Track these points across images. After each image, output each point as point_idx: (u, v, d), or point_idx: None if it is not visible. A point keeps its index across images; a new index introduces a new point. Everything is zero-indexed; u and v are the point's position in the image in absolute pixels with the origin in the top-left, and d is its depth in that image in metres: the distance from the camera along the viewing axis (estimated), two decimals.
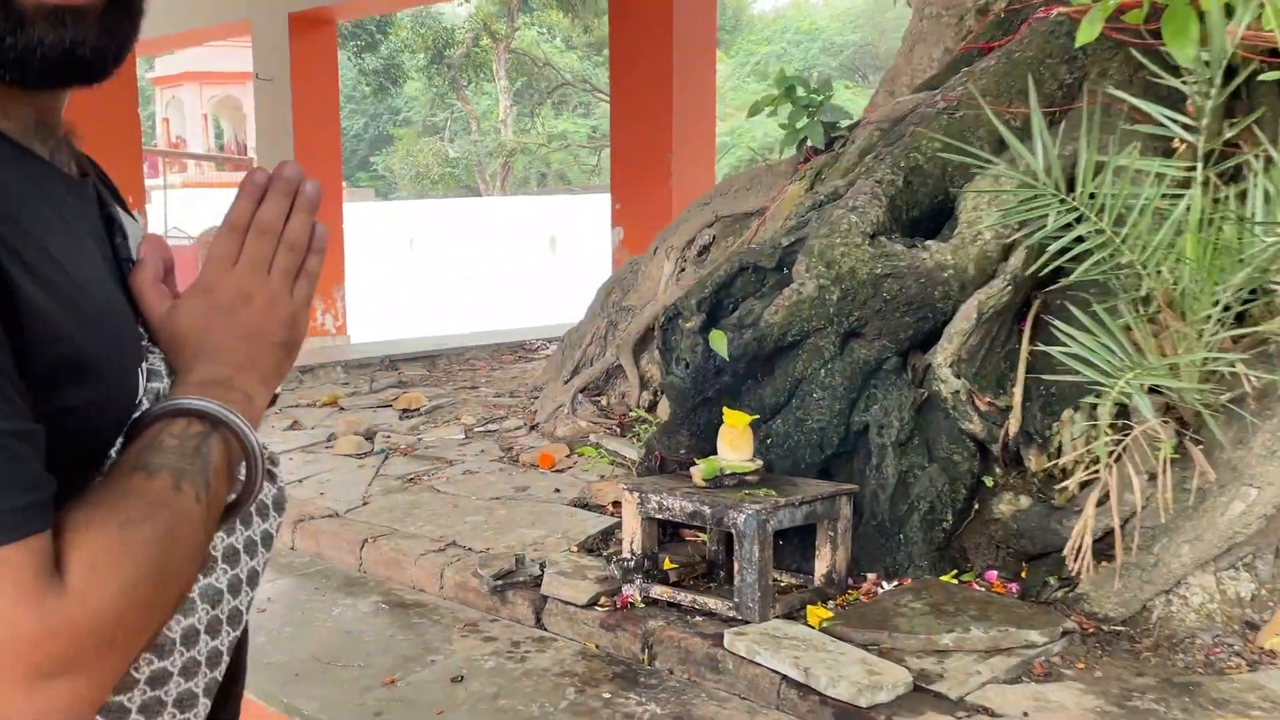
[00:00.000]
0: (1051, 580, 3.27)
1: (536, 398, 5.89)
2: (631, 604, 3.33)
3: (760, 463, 3.38)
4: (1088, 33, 4.03)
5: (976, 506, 3.66)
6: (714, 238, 5.32)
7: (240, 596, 0.80)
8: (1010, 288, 3.69)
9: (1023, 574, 3.41)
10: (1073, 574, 3.22)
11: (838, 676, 2.72)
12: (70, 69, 0.73)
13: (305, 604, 3.69)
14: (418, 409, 5.95)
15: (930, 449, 3.67)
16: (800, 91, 4.97)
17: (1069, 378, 3.31)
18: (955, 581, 3.42)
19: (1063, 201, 3.00)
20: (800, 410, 3.70)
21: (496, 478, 4.64)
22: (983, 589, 3.41)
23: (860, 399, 3.72)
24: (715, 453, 3.48)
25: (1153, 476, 3.12)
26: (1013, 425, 3.56)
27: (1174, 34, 3.92)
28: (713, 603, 3.20)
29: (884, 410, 3.67)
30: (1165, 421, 3.15)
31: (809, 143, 4.99)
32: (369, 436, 5.39)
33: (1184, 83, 3.24)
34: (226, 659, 0.80)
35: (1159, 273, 3.07)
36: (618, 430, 5.16)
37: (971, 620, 3.05)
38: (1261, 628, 3.03)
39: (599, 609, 3.32)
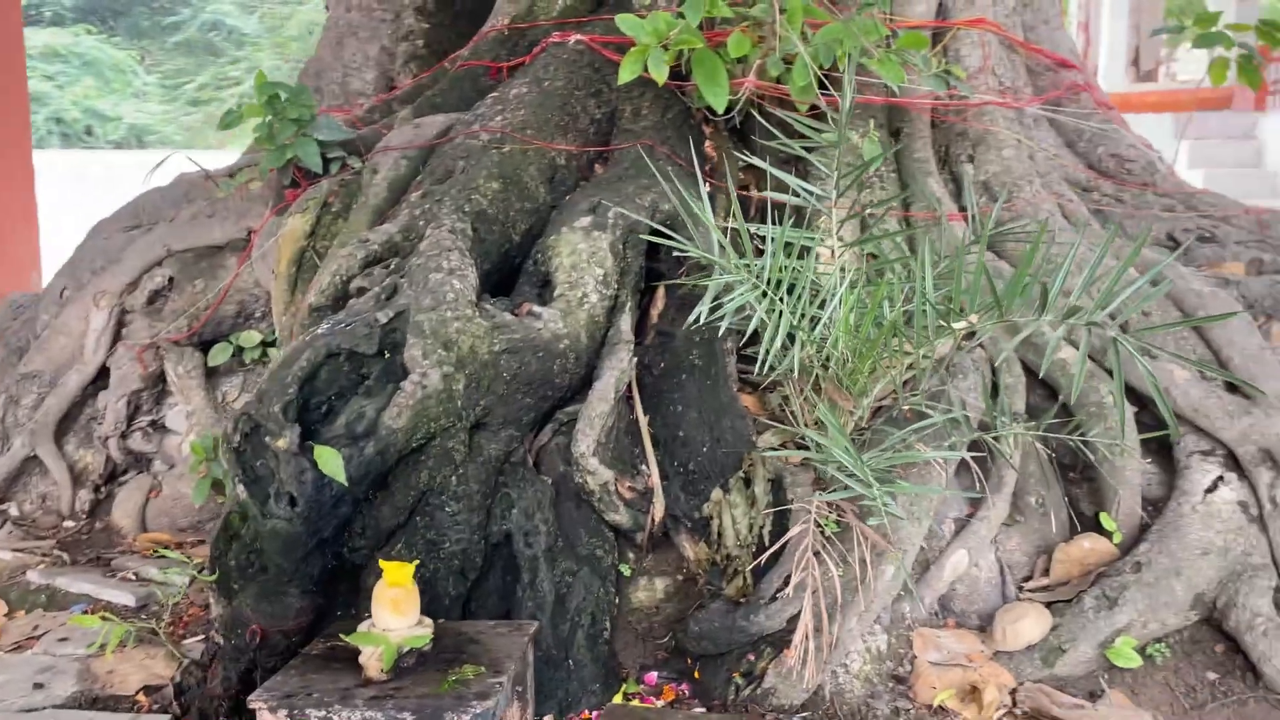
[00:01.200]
0: (739, 680, 3.07)
1: None
2: None
3: (431, 623, 2.62)
4: (629, 71, 3.85)
5: (617, 600, 3.32)
6: (170, 280, 4.07)
7: None
8: (636, 359, 3.37)
9: (695, 674, 3.16)
10: (757, 670, 3.07)
11: None
12: None
13: None
14: None
15: (573, 547, 3.21)
16: (284, 100, 4.00)
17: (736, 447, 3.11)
18: (638, 704, 3.05)
19: (758, 280, 2.75)
20: (431, 531, 2.96)
21: None
22: (657, 701, 3.09)
23: (495, 504, 3.11)
24: (358, 617, 2.62)
25: (816, 554, 3.09)
26: (658, 510, 3.27)
27: (706, 79, 3.91)
28: None
29: (525, 514, 3.11)
30: (822, 494, 3.13)
31: (298, 165, 4.06)
32: None
33: (804, 148, 3.20)
34: None
35: (822, 350, 3.00)
36: (64, 556, 3.72)
37: None
38: (910, 680, 3.19)
39: None
